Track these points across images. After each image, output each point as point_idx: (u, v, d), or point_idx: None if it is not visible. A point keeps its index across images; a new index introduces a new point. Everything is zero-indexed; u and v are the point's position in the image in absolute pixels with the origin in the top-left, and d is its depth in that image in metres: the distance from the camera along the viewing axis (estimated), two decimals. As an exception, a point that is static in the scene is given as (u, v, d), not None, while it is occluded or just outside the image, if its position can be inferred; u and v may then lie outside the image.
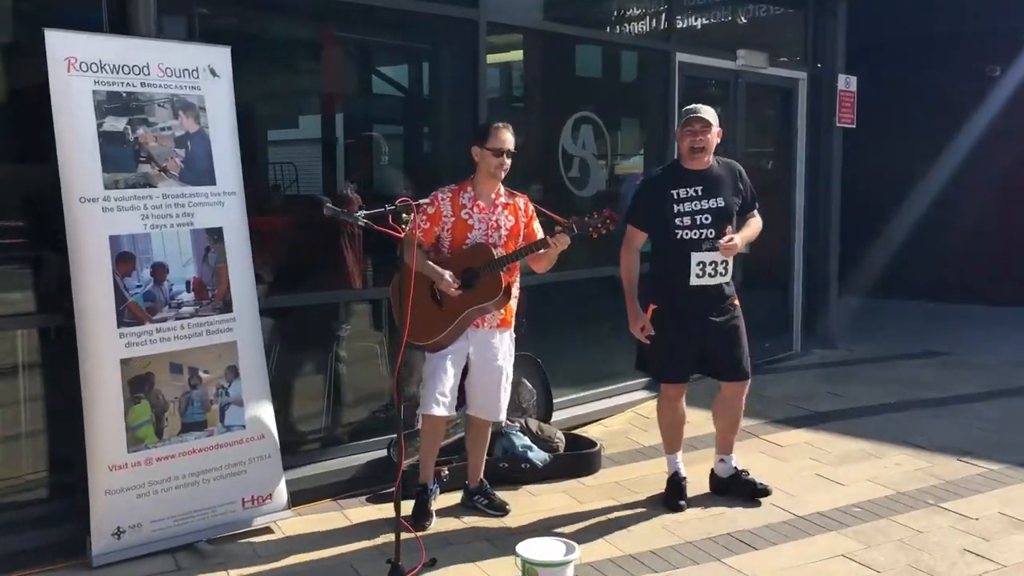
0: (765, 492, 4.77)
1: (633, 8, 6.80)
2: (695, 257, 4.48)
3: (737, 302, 4.71)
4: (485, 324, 4.41)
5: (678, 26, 6.90)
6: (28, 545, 3.98)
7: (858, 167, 9.13)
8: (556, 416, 5.90)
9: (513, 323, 4.55)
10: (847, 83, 8.43)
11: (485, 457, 4.72)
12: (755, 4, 7.85)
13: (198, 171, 4.17)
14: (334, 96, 5.84)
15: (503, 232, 4.40)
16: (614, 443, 5.76)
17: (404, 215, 3.57)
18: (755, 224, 4.75)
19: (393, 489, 4.71)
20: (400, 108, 6.39)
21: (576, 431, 5.94)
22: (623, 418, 6.29)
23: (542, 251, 4.29)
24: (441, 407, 4.33)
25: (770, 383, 7.20)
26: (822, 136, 8.40)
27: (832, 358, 8.20)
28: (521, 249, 4.30)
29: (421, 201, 3.75)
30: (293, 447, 5.04)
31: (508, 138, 4.33)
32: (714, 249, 4.49)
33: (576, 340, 6.47)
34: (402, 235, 3.47)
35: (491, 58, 5.63)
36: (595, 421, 6.19)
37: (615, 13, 6.73)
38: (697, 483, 4.91)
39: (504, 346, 4.50)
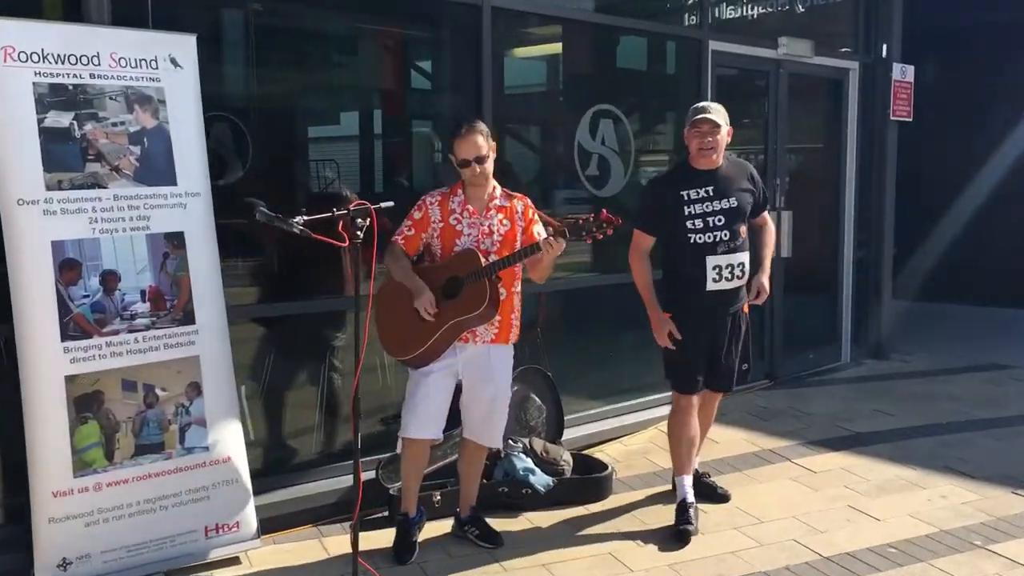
0: (724, 498, 4.68)
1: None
2: (710, 261, 4.20)
3: (747, 309, 4.48)
4: (476, 339, 3.99)
5: (712, 12, 6.37)
6: (-32, 576, 3.69)
7: (914, 163, 8.47)
8: (569, 434, 5.47)
9: (512, 337, 4.12)
10: (903, 73, 7.81)
11: (478, 484, 4.30)
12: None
13: (155, 170, 3.82)
14: (369, 91, 5.54)
15: (496, 238, 3.98)
16: (631, 464, 5.30)
17: (359, 220, 3.16)
18: (771, 238, 4.55)
19: (381, 515, 4.46)
20: (430, 102, 5.96)
21: (592, 450, 5.51)
22: (645, 436, 5.81)
23: (537, 256, 3.86)
24: (420, 429, 3.93)
25: (811, 398, 6.64)
26: (875, 131, 7.79)
27: (883, 370, 7.58)
28: (510, 256, 3.87)
29: (382, 204, 3.33)
30: (276, 467, 4.71)
31: (473, 143, 3.88)
32: (730, 251, 4.23)
33: (593, 350, 6.03)
34: (346, 244, 3.04)
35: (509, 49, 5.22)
36: (614, 439, 5.72)
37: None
38: (714, 512, 4.45)
39: (499, 364, 4.07)
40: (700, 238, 4.18)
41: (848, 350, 7.88)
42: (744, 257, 4.27)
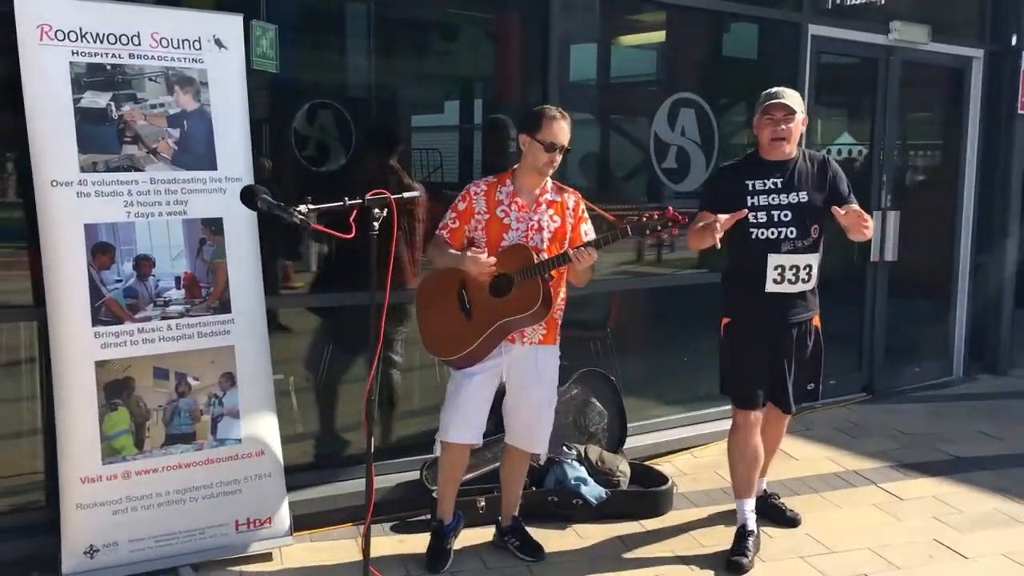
0: (794, 523, 4.32)
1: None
2: (772, 260, 3.83)
3: (818, 323, 4.06)
4: (525, 340, 3.75)
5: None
6: (2, 557, 3.69)
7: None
8: (634, 442, 5.18)
9: (557, 339, 3.87)
10: (1035, 62, 7.10)
11: (520, 492, 4.06)
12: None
13: (195, 154, 3.73)
14: (470, 79, 5.41)
15: (545, 235, 3.72)
16: (698, 478, 4.96)
17: (376, 211, 2.96)
18: (865, 219, 3.77)
19: (424, 517, 4.27)
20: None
21: (657, 461, 5.20)
22: (718, 448, 5.41)
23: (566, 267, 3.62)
24: (460, 433, 3.72)
25: (911, 415, 6.12)
26: (1001, 125, 7.11)
27: (999, 388, 6.95)
28: (553, 259, 3.61)
29: (408, 195, 3.13)
30: (320, 462, 4.60)
31: (563, 130, 3.65)
32: (795, 251, 3.84)
33: (667, 354, 5.69)
34: (350, 235, 2.84)
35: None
36: (684, 450, 5.38)
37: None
38: (781, 538, 4.08)
39: (546, 366, 3.83)
40: (763, 233, 3.83)
41: (961, 364, 7.25)
42: (813, 259, 3.86)
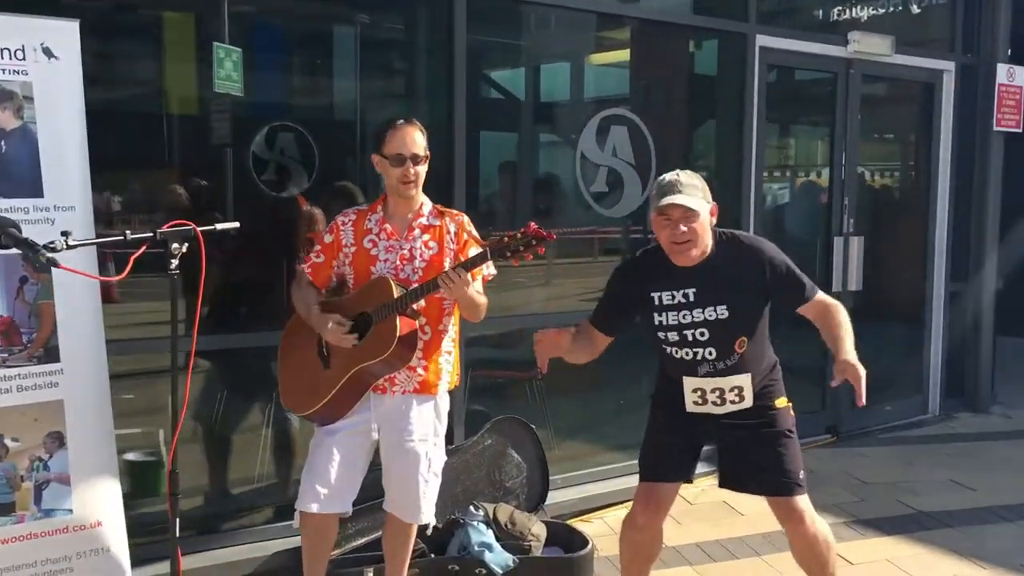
0: None
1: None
2: (689, 383, 3.17)
3: (782, 401, 3.28)
4: (396, 389, 3.24)
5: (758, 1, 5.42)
6: None
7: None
8: (562, 496, 4.69)
9: (443, 386, 3.35)
10: (1010, 75, 6.63)
11: (406, 566, 3.52)
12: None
13: (15, 180, 3.21)
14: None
15: (418, 264, 3.23)
16: (630, 538, 4.41)
17: (176, 246, 2.45)
18: (842, 321, 3.16)
19: None
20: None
21: (588, 516, 4.68)
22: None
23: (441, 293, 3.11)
24: (319, 500, 3.20)
25: (875, 461, 5.59)
26: (976, 143, 6.65)
27: (978, 427, 6.43)
28: (418, 288, 3.11)
29: (222, 226, 2.63)
30: (195, 525, 4.08)
31: (412, 139, 3.18)
32: (715, 374, 3.12)
33: (602, 396, 5.18)
34: (111, 280, 2.35)
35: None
36: (621, 503, 4.83)
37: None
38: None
39: (423, 420, 3.31)
40: (676, 352, 3.15)
41: (937, 401, 6.74)
42: (742, 380, 3.12)
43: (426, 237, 3.26)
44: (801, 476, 3.24)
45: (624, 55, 5.52)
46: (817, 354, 6.09)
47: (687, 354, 3.12)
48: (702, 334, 3.09)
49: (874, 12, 6.14)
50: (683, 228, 3.00)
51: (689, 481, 3.39)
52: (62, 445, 3.29)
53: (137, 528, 3.57)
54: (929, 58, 6.40)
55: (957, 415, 6.66)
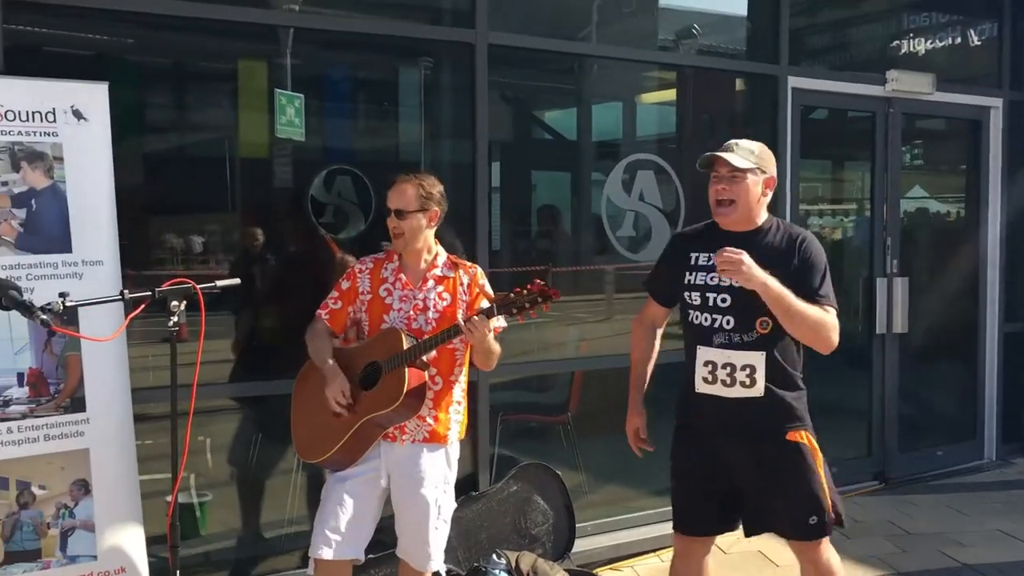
0: None
1: (719, 21, 5.43)
2: (702, 353, 3.12)
3: (802, 436, 3.14)
4: (406, 438, 3.28)
5: (792, 42, 5.39)
6: None
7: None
8: (592, 543, 4.65)
9: (453, 436, 3.37)
10: (1064, 110, 6.44)
11: (421, 615, 3.53)
12: (914, 14, 6.13)
13: (45, 236, 3.36)
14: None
15: (431, 315, 3.27)
16: (661, 589, 4.34)
17: (176, 304, 2.53)
18: (810, 307, 3.02)
19: None
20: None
21: (619, 565, 4.63)
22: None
23: (462, 337, 3.14)
24: (331, 547, 3.22)
25: (923, 510, 5.41)
26: (1028, 180, 6.46)
27: (1039, 474, 6.17)
28: (429, 339, 3.15)
29: (223, 283, 2.70)
30: (231, 567, 4.16)
31: (399, 193, 3.28)
32: (729, 345, 3.07)
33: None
34: (106, 339, 2.42)
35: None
36: (652, 551, 4.77)
37: (692, 27, 5.37)
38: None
39: (434, 469, 3.32)
40: (696, 317, 3.14)
41: (993, 446, 6.49)
42: (755, 359, 3.05)
43: (440, 288, 3.31)
44: (823, 518, 3.18)
45: (654, 98, 5.54)
46: (864, 398, 5.97)
47: (705, 319, 3.10)
48: (723, 300, 3.07)
49: (916, 50, 6.04)
50: (724, 185, 3.05)
51: (719, 533, 3.34)
52: (87, 493, 3.39)
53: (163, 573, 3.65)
54: (974, 95, 6.25)
55: (1014, 461, 6.41)
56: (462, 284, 3.33)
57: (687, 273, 3.17)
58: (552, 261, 5.28)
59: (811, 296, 3.05)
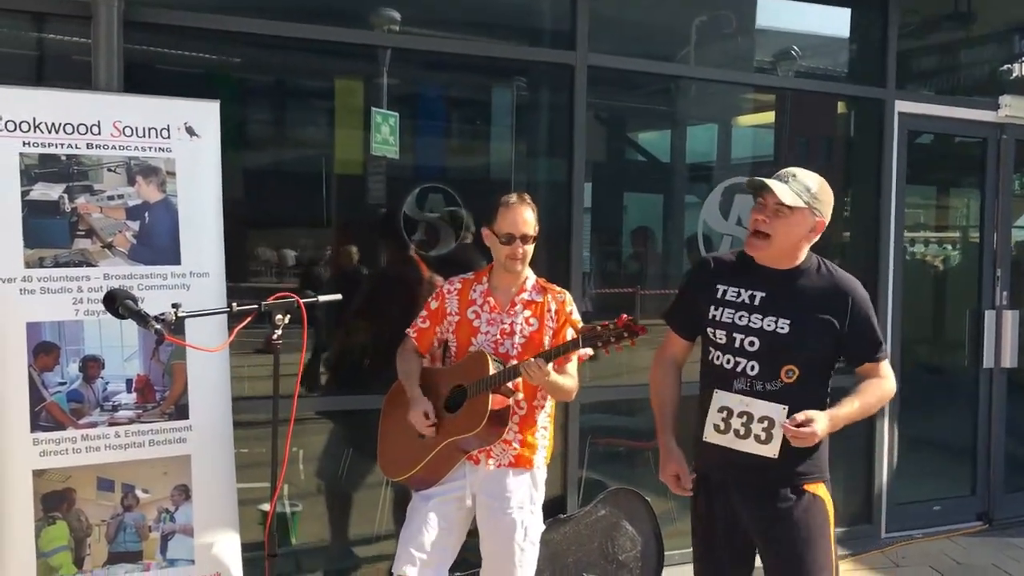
0: None
1: (820, 43, 5.32)
2: (718, 398, 2.84)
3: (816, 489, 2.86)
4: (491, 461, 3.28)
5: (900, 66, 5.25)
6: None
7: None
8: (675, 573, 4.51)
9: (539, 461, 3.35)
10: None
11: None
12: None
13: (156, 248, 3.48)
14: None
15: (518, 339, 3.27)
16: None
17: (280, 317, 2.58)
18: (872, 393, 2.87)
19: None
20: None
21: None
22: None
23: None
24: (416, 564, 3.23)
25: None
26: None
27: None
28: (507, 369, 3.14)
29: (324, 298, 2.75)
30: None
31: (523, 218, 3.25)
32: (751, 393, 2.80)
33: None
34: (215, 349, 2.47)
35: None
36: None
37: (791, 48, 5.27)
38: None
39: (520, 491, 3.31)
40: (718, 358, 2.87)
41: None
42: (775, 412, 2.76)
43: (527, 313, 3.30)
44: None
45: (751, 120, 5.46)
46: (967, 435, 5.74)
47: (727, 361, 2.85)
48: (751, 343, 2.82)
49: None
50: (765, 219, 2.76)
51: None
52: (187, 498, 3.48)
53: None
54: (1092, 120, 5.97)
55: None
56: (550, 311, 3.32)
57: (712, 308, 2.90)
58: (641, 283, 5.24)
59: (874, 353, 2.89)
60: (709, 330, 2.91)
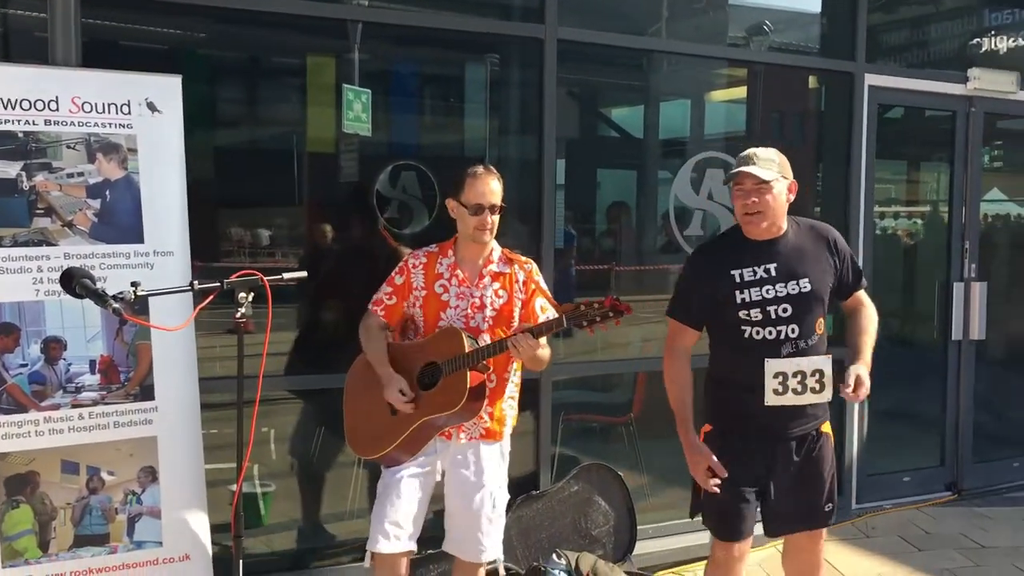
0: None
1: (791, 18, 5.31)
2: (771, 366, 3.05)
3: (827, 428, 3.23)
4: (463, 435, 3.26)
5: (869, 40, 5.24)
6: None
7: None
8: (653, 546, 4.57)
9: (507, 431, 3.35)
10: None
11: (478, 613, 3.51)
12: (996, 10, 5.91)
13: (118, 226, 3.41)
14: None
15: (488, 312, 3.25)
16: (724, 594, 4.25)
17: (243, 295, 2.54)
18: (869, 321, 3.24)
19: None
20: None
21: (680, 569, 4.54)
22: (759, 554, 4.72)
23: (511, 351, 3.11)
24: (390, 540, 3.22)
25: (998, 523, 5.23)
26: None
27: None
28: (486, 347, 3.12)
29: (289, 275, 2.70)
30: (292, 560, 4.19)
31: (490, 188, 3.21)
32: (798, 353, 3.07)
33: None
34: (175, 328, 2.43)
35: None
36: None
37: (763, 23, 5.26)
38: None
39: (490, 465, 3.31)
40: (758, 333, 3.08)
41: (1073, 458, 6.24)
42: (822, 363, 3.07)
43: (496, 285, 3.28)
44: (835, 504, 3.29)
45: (724, 96, 5.45)
46: (937, 407, 5.79)
47: (770, 333, 3.07)
48: (785, 310, 3.06)
49: (998, 47, 5.83)
50: (754, 199, 3.04)
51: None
52: (154, 480, 3.44)
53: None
54: (1060, 94, 6.01)
55: (1096, 474, 6.15)
56: (517, 281, 3.30)
57: (737, 292, 3.09)
58: (616, 260, 5.23)
59: (859, 281, 3.28)
60: (741, 313, 3.08)
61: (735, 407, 3.18)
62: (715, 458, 3.12)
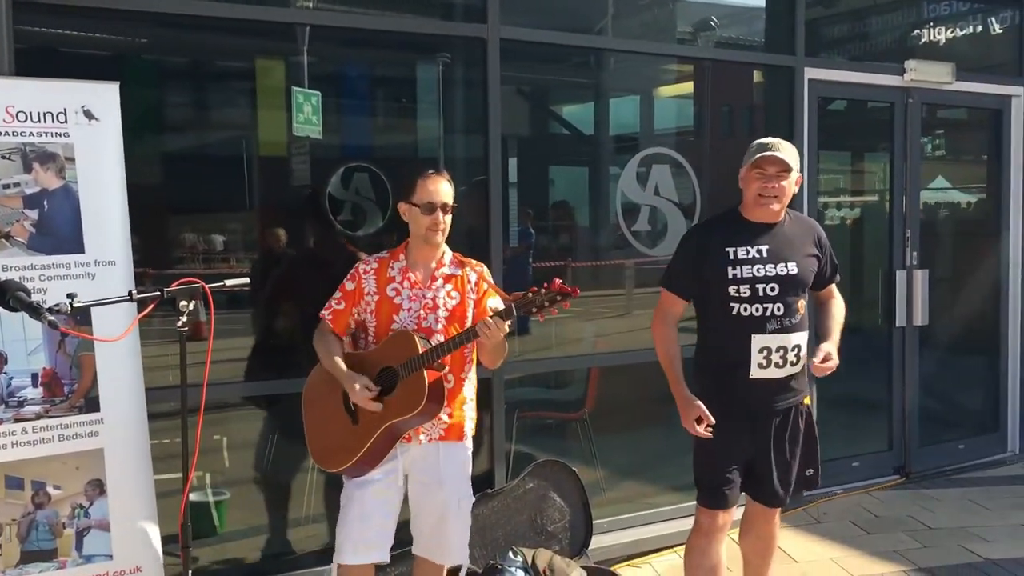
0: None
1: (737, 13, 5.38)
2: (757, 341, 3.31)
3: (809, 401, 3.54)
4: (423, 437, 3.26)
5: (809, 34, 5.32)
6: None
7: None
8: (609, 540, 4.62)
9: (468, 431, 3.37)
10: (1086, 98, 6.34)
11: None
12: (933, 2, 6.04)
13: (58, 237, 3.36)
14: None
15: (441, 313, 3.25)
16: (679, 585, 4.31)
17: (184, 303, 2.52)
18: (839, 311, 3.58)
19: None
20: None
21: (636, 561, 4.59)
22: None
23: (477, 340, 3.12)
24: (357, 552, 3.22)
25: (943, 504, 5.34)
26: (1052, 168, 6.36)
27: (1061, 466, 6.09)
28: (446, 343, 3.13)
29: (232, 282, 2.69)
30: (249, 568, 4.17)
31: (441, 188, 3.24)
32: (782, 330, 3.33)
33: (652, 437, 5.09)
34: (114, 339, 2.41)
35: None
36: (671, 547, 4.73)
37: (709, 19, 5.32)
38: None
39: (452, 465, 3.32)
40: (745, 309, 3.31)
41: (1016, 439, 6.41)
42: (801, 339, 3.36)
43: (448, 287, 3.29)
44: (817, 469, 3.59)
45: (671, 92, 5.50)
46: (883, 392, 5.90)
47: (756, 309, 3.29)
48: (772, 289, 3.29)
49: (935, 39, 5.96)
50: (775, 184, 3.28)
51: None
52: (102, 492, 3.40)
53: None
54: (995, 84, 6.16)
55: (1041, 453, 6.33)
56: (470, 282, 3.32)
57: (730, 268, 3.31)
58: (571, 256, 5.26)
59: (835, 274, 3.56)
60: (731, 288, 3.30)
61: (723, 381, 3.37)
62: (704, 409, 3.29)
